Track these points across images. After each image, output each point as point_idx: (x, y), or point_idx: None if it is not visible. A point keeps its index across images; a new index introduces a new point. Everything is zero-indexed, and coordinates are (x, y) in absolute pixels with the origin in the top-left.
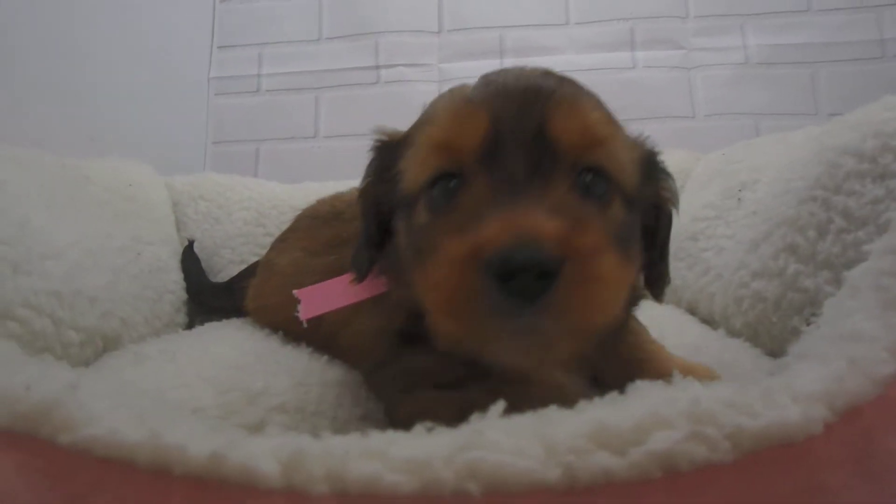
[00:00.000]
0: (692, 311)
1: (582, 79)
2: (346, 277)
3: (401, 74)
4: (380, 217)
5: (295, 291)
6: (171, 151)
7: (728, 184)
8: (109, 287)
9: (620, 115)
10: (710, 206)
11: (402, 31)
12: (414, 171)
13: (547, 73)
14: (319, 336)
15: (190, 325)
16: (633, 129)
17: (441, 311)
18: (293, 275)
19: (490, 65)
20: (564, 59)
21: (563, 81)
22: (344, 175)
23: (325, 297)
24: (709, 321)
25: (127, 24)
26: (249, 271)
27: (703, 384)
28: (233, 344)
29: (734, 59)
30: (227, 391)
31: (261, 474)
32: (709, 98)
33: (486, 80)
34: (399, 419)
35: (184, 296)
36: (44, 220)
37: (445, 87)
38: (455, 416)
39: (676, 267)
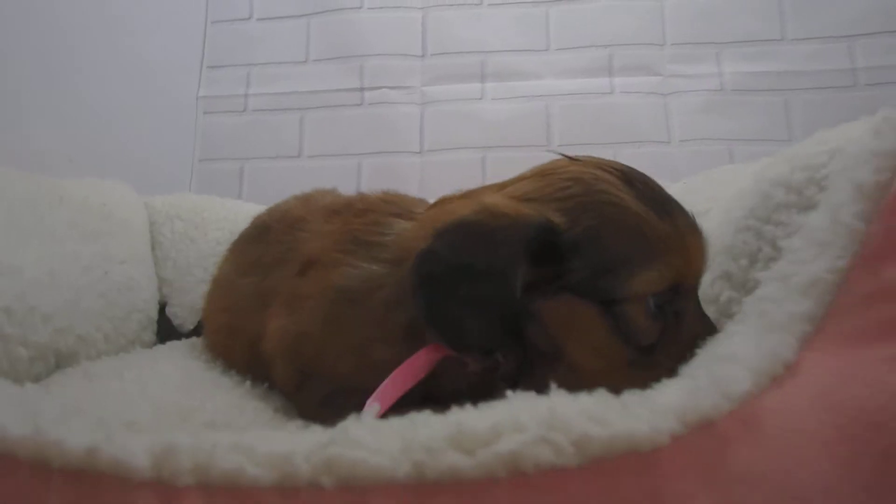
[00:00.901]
0: None
1: (562, 104)
2: (412, 363)
3: (384, 96)
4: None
5: (370, 401)
6: (158, 169)
7: None
8: (68, 305)
9: (598, 139)
10: None
11: (387, 54)
12: (646, 284)
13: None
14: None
15: (163, 341)
16: (610, 152)
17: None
18: (222, 288)
19: (471, 88)
20: (544, 83)
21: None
22: None
23: (395, 386)
24: None
25: (118, 44)
26: None
27: (574, 395)
28: (181, 365)
29: (709, 85)
30: (163, 407)
31: (132, 467)
32: (684, 123)
33: (680, 211)
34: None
35: (153, 314)
36: (3, 240)
37: (428, 110)
38: None
39: None
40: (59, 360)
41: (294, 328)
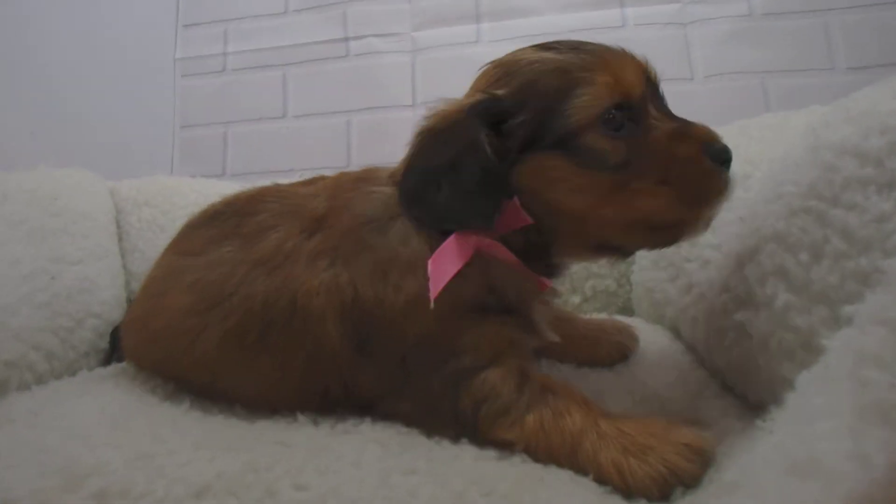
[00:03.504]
0: (676, 332)
1: None
2: (452, 243)
3: (371, 46)
4: (494, 162)
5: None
6: (138, 142)
7: None
8: None
9: None
10: None
11: None
12: (588, 107)
13: None
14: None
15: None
16: None
17: (678, 197)
18: (163, 279)
19: (466, 31)
20: (545, 20)
21: None
22: (312, 157)
23: (441, 267)
24: (692, 349)
25: (86, 8)
26: None
27: None
28: (104, 401)
29: (736, 10)
30: (50, 473)
31: None
32: (708, 57)
33: (574, 45)
34: (461, 411)
35: (112, 317)
36: None
37: (419, 58)
38: (517, 390)
39: (657, 277)
40: None
41: (343, 277)
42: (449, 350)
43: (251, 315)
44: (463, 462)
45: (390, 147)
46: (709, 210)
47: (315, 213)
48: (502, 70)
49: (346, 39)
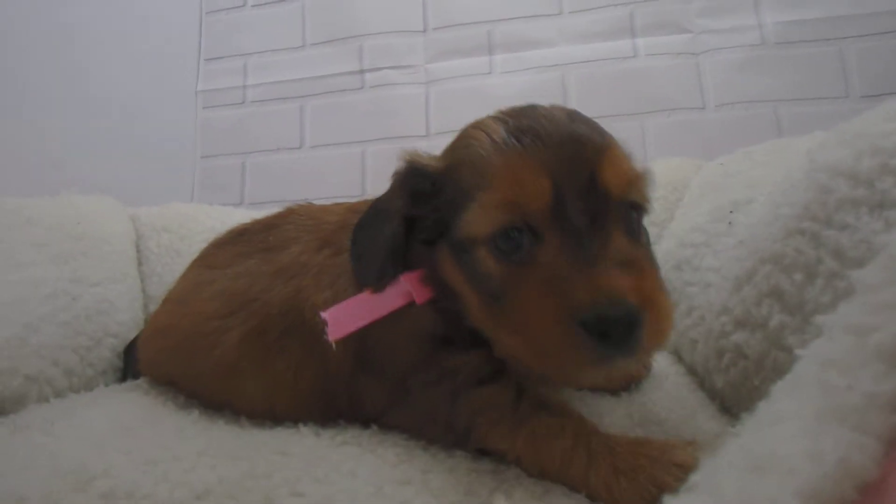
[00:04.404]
0: (677, 355)
1: (578, 72)
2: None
3: (386, 77)
4: (399, 235)
5: (322, 313)
6: (160, 171)
7: (720, 202)
8: (12, 344)
9: (622, 109)
10: (698, 229)
11: (387, 31)
12: (478, 222)
13: (574, 116)
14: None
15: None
16: (635, 124)
17: (533, 355)
18: (188, 289)
19: (479, 62)
20: (558, 51)
21: (593, 127)
22: (328, 187)
23: (353, 314)
24: (692, 372)
25: (117, 41)
26: None
27: None
28: (116, 412)
29: (748, 39)
30: (61, 475)
31: None
32: (720, 85)
33: (525, 128)
34: (457, 419)
35: (129, 337)
36: None
37: (433, 90)
38: (512, 404)
39: None
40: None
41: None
42: (442, 372)
43: (270, 319)
44: (457, 475)
45: None
46: (576, 375)
47: (328, 228)
48: (457, 137)
49: (362, 72)
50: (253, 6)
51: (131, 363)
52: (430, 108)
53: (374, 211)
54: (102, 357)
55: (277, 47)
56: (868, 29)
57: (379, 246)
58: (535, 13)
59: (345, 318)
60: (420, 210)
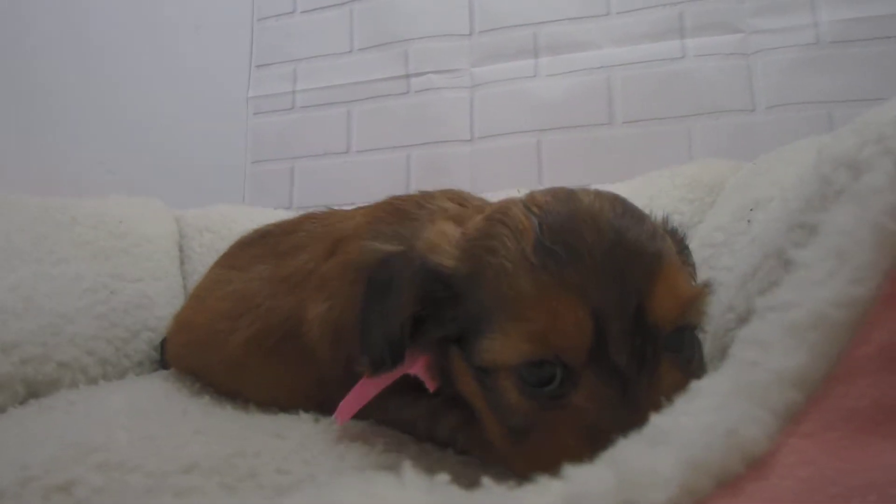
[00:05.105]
0: None
1: (625, 74)
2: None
3: (430, 82)
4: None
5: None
6: (213, 174)
7: (743, 201)
8: (46, 331)
9: (668, 112)
10: (720, 228)
11: (432, 36)
12: (500, 351)
13: (620, 211)
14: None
15: None
16: (682, 127)
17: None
18: (208, 287)
19: (524, 65)
20: (604, 53)
21: (642, 226)
22: (373, 191)
23: (358, 397)
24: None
25: (164, 50)
26: None
27: None
28: (134, 396)
29: (802, 39)
30: (65, 447)
31: None
32: (772, 87)
33: (562, 233)
34: (438, 433)
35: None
36: None
37: (477, 94)
38: None
39: None
40: (33, 389)
41: (334, 314)
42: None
43: (271, 325)
44: (444, 465)
45: (448, 180)
46: None
47: (340, 235)
48: (481, 227)
49: (408, 76)
50: (302, 12)
51: (163, 354)
52: (474, 112)
53: (374, 292)
54: (139, 349)
55: (326, 52)
56: None
57: (377, 338)
58: (581, 14)
59: (350, 404)
60: (431, 312)
